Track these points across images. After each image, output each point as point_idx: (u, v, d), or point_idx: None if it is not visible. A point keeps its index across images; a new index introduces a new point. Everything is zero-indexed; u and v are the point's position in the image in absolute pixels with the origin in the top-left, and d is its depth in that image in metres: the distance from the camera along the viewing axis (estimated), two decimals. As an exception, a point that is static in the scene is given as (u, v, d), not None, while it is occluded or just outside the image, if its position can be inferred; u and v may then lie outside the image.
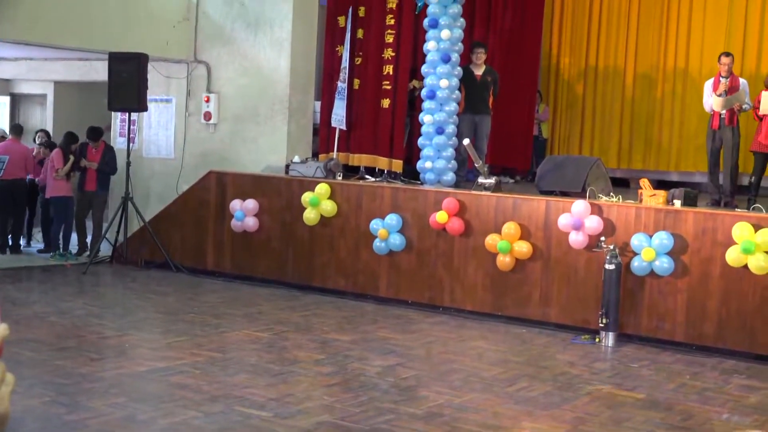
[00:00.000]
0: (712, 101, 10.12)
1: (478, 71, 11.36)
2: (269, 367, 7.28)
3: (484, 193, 9.85)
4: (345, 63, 11.74)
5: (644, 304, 8.80)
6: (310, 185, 10.71)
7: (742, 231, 8.28)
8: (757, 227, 8.26)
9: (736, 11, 13.37)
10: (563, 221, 9.08)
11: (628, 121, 14.20)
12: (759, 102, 9.83)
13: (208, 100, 12.13)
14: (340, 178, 11.04)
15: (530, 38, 13.89)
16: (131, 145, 11.87)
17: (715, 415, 6.56)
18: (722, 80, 10.14)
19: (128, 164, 11.60)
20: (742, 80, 10.34)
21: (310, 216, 10.58)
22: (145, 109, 11.70)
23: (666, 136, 13.89)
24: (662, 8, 13.92)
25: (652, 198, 9.14)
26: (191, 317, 9.03)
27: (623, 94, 14.23)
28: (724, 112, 10.02)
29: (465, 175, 11.36)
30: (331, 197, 10.57)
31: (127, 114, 12.20)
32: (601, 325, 8.68)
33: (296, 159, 11.33)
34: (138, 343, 7.98)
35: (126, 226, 11.73)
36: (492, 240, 9.47)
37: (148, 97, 11.64)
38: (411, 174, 11.31)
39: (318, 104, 12.38)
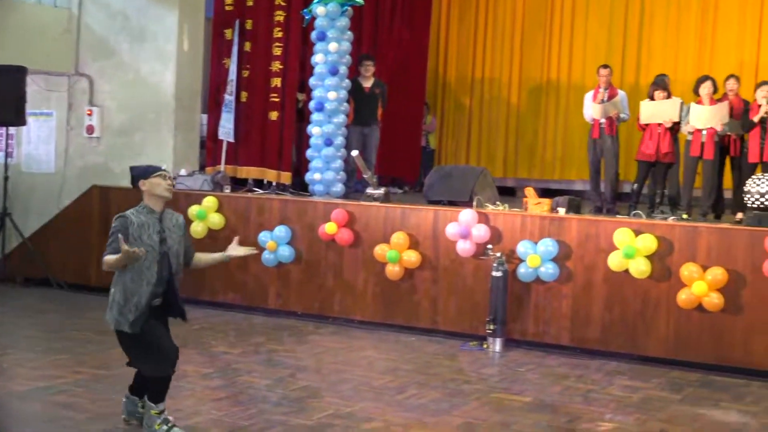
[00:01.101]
0: (591, 111, 10.41)
1: (367, 83, 11.42)
2: (156, 382, 7.12)
3: (373, 203, 9.88)
4: (232, 76, 11.64)
5: (530, 309, 8.96)
6: (197, 198, 10.57)
7: (623, 236, 8.52)
8: (637, 232, 8.51)
9: (615, 25, 13.79)
10: (451, 230, 9.18)
11: (514, 132, 14.48)
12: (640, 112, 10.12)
13: (90, 114, 11.85)
14: (228, 190, 10.94)
15: (417, 51, 14.03)
16: (9, 159, 11.50)
17: (599, 416, 6.71)
18: (601, 91, 10.44)
19: (6, 179, 11.24)
20: (620, 92, 10.66)
21: (197, 229, 10.43)
22: (23, 123, 11.34)
23: (550, 145, 14.21)
24: (545, 22, 14.26)
25: (537, 206, 9.33)
26: (74, 334, 8.78)
27: (508, 105, 14.51)
28: (603, 121, 10.31)
29: (354, 186, 11.38)
30: (219, 210, 10.45)
31: (4, 128, 11.81)
32: (488, 331, 8.80)
33: (183, 172, 11.16)
34: (18, 362, 7.70)
35: (4, 242, 11.35)
36: (381, 250, 9.51)
37: (28, 110, 11.29)
38: (300, 186, 11.27)
39: (205, 117, 12.24)
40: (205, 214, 10.38)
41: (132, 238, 5.45)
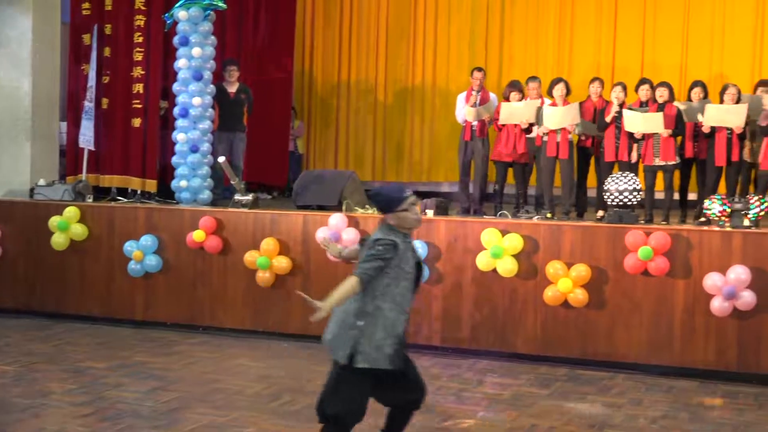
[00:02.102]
0: (465, 112, 10.54)
1: (232, 88, 11.30)
2: (17, 401, 6.84)
3: (241, 210, 9.78)
4: (92, 82, 11.30)
5: (402, 311, 9.00)
6: (58, 209, 10.21)
7: (490, 237, 8.67)
8: (504, 232, 8.67)
9: (477, 29, 14.04)
10: (321, 234, 9.15)
11: (381, 135, 14.57)
12: (498, 113, 10.31)
13: (-60, 122, 11.30)
14: (91, 200, 10.62)
15: (283, 55, 13.96)
16: None
17: (472, 414, 6.80)
18: (474, 93, 10.60)
19: None
20: (492, 95, 10.83)
21: (58, 241, 10.08)
22: None
23: (417, 148, 14.36)
24: (409, 25, 14.40)
25: (405, 208, 9.37)
26: (-72, 355, 8.36)
27: (375, 109, 14.59)
28: (475, 123, 10.47)
29: (222, 193, 11.23)
30: (82, 220, 10.12)
31: None
32: (361, 334, 8.80)
33: (42, 182, 10.76)
34: None
35: None
36: (251, 256, 9.41)
37: None
38: (166, 193, 11.04)
39: (64, 125, 11.85)
40: (67, 225, 10.04)
41: (393, 265, 4.97)
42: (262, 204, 10.68)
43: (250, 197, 9.97)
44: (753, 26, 12.62)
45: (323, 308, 4.83)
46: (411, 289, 5.11)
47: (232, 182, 10.18)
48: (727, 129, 9.33)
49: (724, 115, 9.35)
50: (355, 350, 4.97)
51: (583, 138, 10.26)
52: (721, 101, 9.55)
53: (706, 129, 9.42)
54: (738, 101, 9.46)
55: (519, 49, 13.90)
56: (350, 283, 4.92)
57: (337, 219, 9.16)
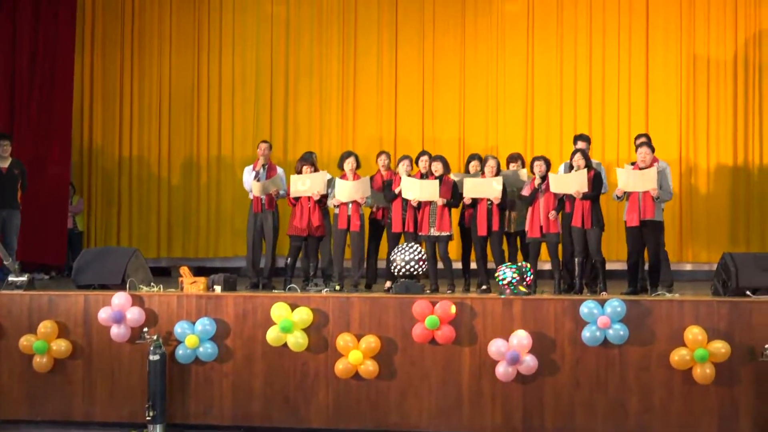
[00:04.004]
0: (251, 187, 10.48)
1: (4, 164, 10.83)
2: None
3: (15, 291, 9.31)
4: None
5: (191, 391, 8.81)
6: None
7: (280, 311, 8.62)
8: (293, 306, 8.66)
9: (262, 103, 14.07)
10: (103, 315, 8.86)
11: (166, 210, 14.23)
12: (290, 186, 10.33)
13: None
14: None
15: (59, 128, 13.37)
16: None
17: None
18: (260, 166, 10.57)
19: None
20: (279, 168, 10.87)
21: None
22: None
23: (204, 222, 14.12)
24: (192, 98, 14.20)
25: (192, 285, 9.21)
26: None
27: (159, 183, 14.25)
28: (264, 197, 10.44)
29: (-7, 275, 10.62)
30: None
31: None
32: (148, 418, 8.52)
33: None
34: None
35: None
36: (27, 341, 8.95)
37: None
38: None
39: None
40: None
41: None
42: (39, 285, 10.16)
43: (24, 278, 9.51)
44: (524, 102, 13.33)
45: None
46: None
47: (5, 262, 9.68)
48: (488, 200, 9.72)
49: (480, 187, 9.76)
50: None
51: (374, 210, 10.45)
52: (482, 173, 9.98)
53: (467, 200, 9.79)
54: (497, 173, 9.89)
55: (303, 121, 14.03)
56: None
57: (120, 298, 8.86)
